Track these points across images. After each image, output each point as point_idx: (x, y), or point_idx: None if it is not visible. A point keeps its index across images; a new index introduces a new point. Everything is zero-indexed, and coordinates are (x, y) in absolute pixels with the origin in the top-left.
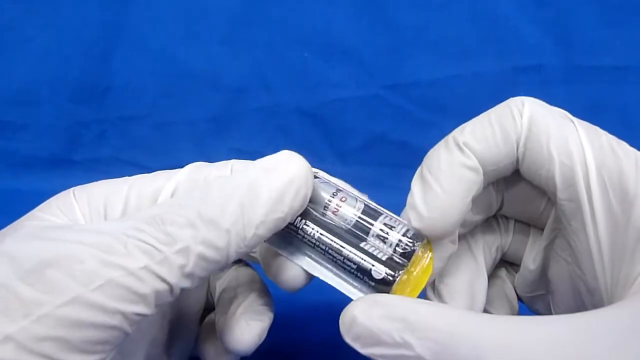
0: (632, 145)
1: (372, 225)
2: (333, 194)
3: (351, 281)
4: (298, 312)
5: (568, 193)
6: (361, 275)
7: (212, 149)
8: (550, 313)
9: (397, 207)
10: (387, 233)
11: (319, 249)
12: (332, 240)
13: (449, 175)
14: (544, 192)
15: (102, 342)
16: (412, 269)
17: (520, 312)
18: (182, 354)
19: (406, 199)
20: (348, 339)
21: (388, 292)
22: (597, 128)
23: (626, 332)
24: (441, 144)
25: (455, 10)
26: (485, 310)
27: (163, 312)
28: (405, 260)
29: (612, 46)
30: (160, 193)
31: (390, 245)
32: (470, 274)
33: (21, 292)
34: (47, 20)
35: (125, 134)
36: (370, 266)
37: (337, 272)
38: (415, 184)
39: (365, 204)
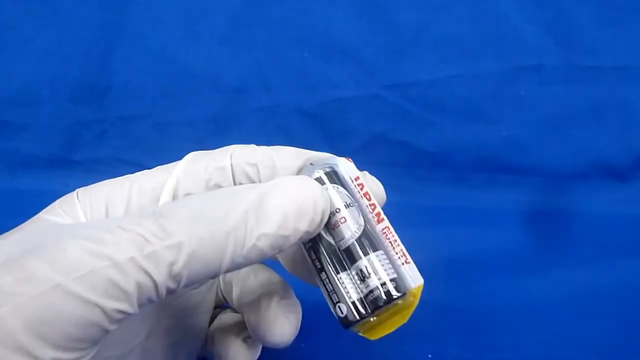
0: (632, 145)
1: (359, 258)
2: (342, 207)
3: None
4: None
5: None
6: (331, 300)
7: (212, 149)
8: None
9: (397, 206)
10: (369, 273)
11: (312, 255)
12: (319, 256)
13: None
14: None
15: (80, 339)
16: (382, 316)
17: None
18: (189, 355)
19: (406, 199)
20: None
21: (349, 329)
22: None
23: None
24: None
25: (455, 10)
26: None
27: (158, 309)
28: (371, 311)
29: (612, 46)
30: (162, 188)
31: (367, 287)
32: None
33: None
34: (47, 20)
35: (125, 134)
36: (337, 299)
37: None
38: None
39: (364, 230)
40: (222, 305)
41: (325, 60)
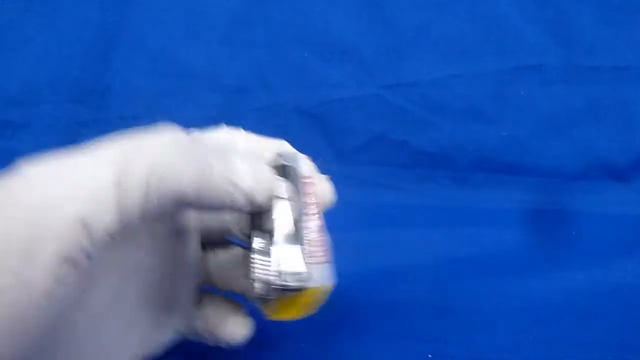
0: (632, 145)
1: (275, 244)
2: (280, 197)
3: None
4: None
5: None
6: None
7: None
8: None
9: (397, 206)
10: (278, 261)
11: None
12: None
13: None
14: None
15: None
16: (283, 302)
17: None
18: (181, 317)
19: (406, 199)
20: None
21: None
22: None
23: None
24: None
25: (455, 10)
26: None
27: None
28: (267, 293)
29: (612, 46)
30: None
31: (273, 271)
32: None
33: None
34: (47, 20)
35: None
36: (251, 277)
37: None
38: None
39: (293, 222)
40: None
41: (325, 60)
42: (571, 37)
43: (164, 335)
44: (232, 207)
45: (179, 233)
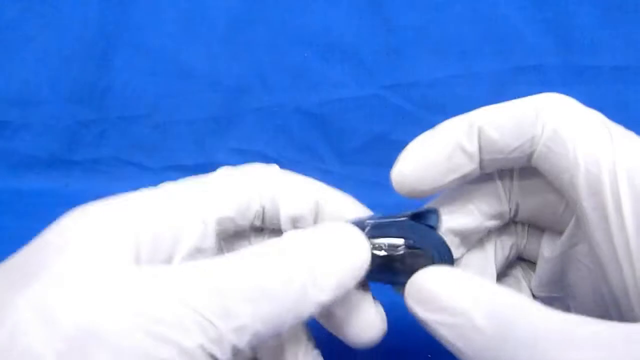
0: None
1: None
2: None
3: None
4: None
5: (593, 201)
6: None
7: (212, 149)
8: None
9: (397, 206)
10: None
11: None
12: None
13: (443, 150)
14: (562, 198)
15: None
16: None
17: None
18: None
19: (406, 199)
20: (411, 302)
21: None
22: (632, 134)
23: None
24: (458, 118)
25: (455, 10)
26: None
27: None
28: None
29: (612, 46)
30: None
31: None
32: (478, 269)
33: None
34: (47, 20)
35: (125, 134)
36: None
37: None
38: (415, 141)
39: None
40: None
41: (325, 60)
42: (571, 37)
43: None
44: None
45: None
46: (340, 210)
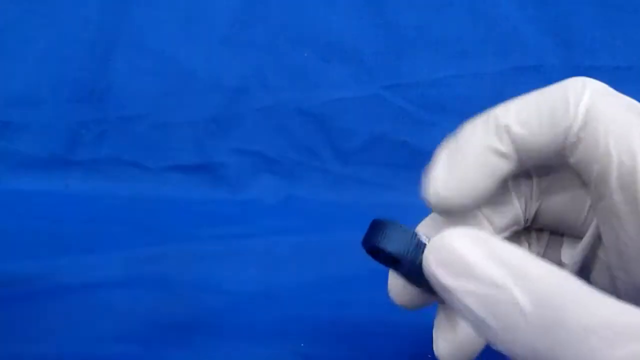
0: None
1: None
2: None
3: None
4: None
5: (624, 195)
6: None
7: (212, 149)
8: None
9: (397, 206)
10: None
11: None
12: None
13: (476, 157)
14: (586, 199)
15: None
16: None
17: None
18: None
19: (406, 199)
20: (432, 264)
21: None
22: None
23: None
24: (480, 120)
25: (455, 10)
26: None
27: None
28: None
29: (612, 46)
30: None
31: None
32: None
33: None
34: (47, 21)
35: (125, 134)
36: None
37: None
38: (441, 155)
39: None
40: None
41: (325, 60)
42: (571, 37)
43: None
44: None
45: None
46: None
